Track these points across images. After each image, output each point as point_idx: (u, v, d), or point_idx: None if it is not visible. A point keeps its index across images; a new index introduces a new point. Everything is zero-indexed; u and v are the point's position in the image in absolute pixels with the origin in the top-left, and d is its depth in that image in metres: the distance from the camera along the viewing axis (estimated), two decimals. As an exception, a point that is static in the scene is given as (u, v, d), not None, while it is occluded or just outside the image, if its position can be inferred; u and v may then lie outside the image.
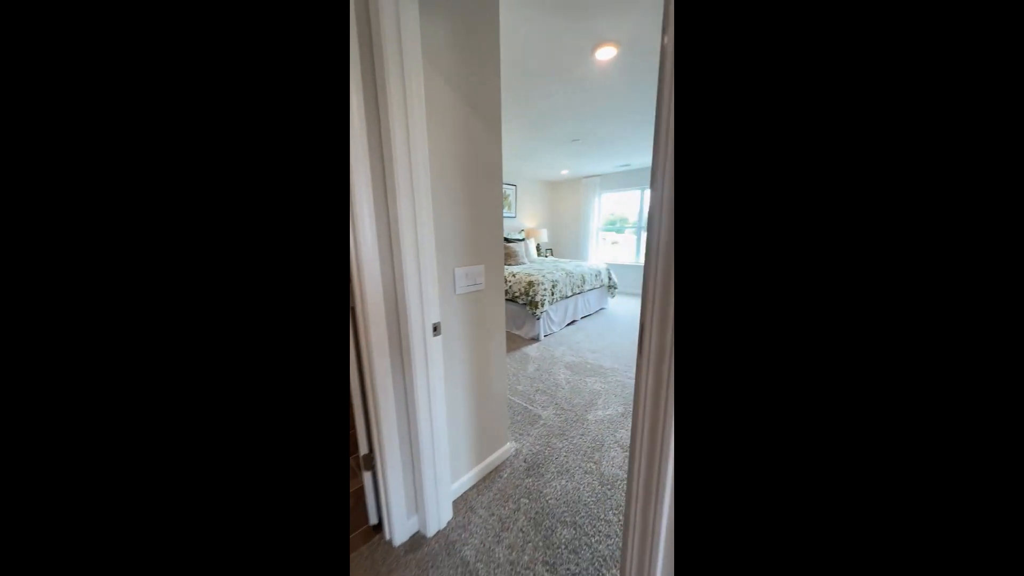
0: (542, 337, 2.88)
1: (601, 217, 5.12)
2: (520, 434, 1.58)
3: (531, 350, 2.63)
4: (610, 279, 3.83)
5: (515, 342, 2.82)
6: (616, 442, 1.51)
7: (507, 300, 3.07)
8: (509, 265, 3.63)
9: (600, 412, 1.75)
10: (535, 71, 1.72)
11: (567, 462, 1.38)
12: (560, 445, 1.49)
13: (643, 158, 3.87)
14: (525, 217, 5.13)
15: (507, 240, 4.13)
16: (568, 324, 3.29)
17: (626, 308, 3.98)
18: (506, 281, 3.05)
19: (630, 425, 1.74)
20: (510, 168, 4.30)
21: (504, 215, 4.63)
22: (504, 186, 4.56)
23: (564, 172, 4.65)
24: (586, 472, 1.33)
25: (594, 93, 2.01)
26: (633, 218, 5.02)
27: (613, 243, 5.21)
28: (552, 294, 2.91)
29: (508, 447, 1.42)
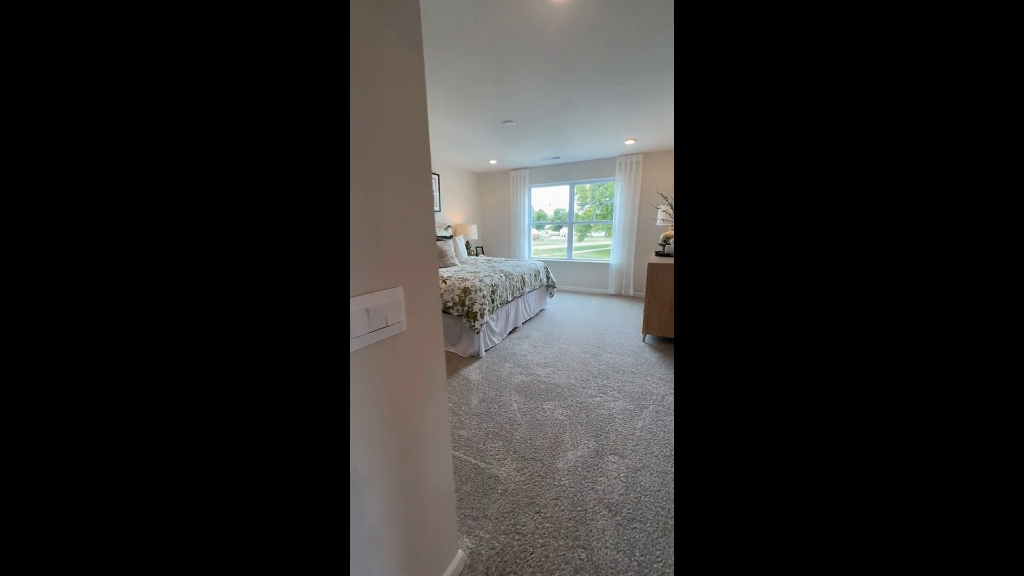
0: (483, 353, 2.43)
1: (531, 212, 4.90)
2: (474, 517, 1.11)
3: (472, 372, 2.16)
4: (549, 278, 3.59)
5: (452, 363, 2.30)
6: (600, 501, 1.16)
7: (438, 312, 2.52)
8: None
9: (570, 455, 1.40)
10: (461, 11, 1.23)
11: (546, 557, 0.98)
12: (532, 525, 1.08)
13: (574, 151, 3.71)
14: (451, 212, 4.56)
15: (432, 238, 3.53)
16: (510, 333, 2.91)
17: (564, 307, 3.80)
18: (435, 289, 2.49)
19: (609, 470, 1.29)
20: (431, 153, 3.67)
21: (427, 208, 3.98)
22: (425, 174, 3.90)
23: (492, 162, 4.23)
24: (576, 569, 0.94)
25: (537, 53, 1.62)
26: (550, 214, 4.96)
27: (535, 238, 5.09)
28: (492, 301, 2.47)
29: (459, 559, 0.94)
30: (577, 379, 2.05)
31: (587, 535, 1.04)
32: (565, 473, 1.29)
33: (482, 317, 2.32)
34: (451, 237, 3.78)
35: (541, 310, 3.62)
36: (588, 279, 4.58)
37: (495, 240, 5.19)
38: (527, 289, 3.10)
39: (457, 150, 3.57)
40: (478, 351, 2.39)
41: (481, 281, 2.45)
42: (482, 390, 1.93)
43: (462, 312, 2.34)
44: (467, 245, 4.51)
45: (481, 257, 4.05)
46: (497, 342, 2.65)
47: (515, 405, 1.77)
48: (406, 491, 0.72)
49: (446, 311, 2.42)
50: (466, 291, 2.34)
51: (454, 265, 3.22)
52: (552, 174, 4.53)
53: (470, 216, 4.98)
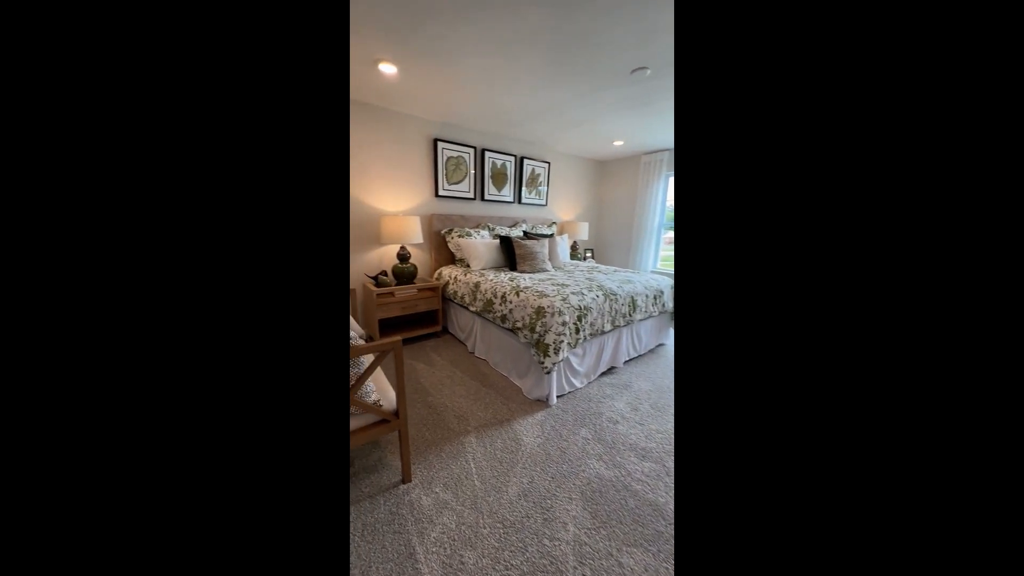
0: (554, 399, 1.73)
1: (663, 209, 3.72)
2: None
3: (528, 431, 1.51)
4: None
5: (510, 404, 1.71)
6: None
7: (504, 329, 1.97)
8: (523, 272, 2.51)
9: None
10: None
11: None
12: None
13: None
14: (560, 206, 3.93)
15: (528, 235, 3.01)
16: (603, 374, 2.09)
17: (698, 347, 2.61)
18: (506, 300, 1.93)
19: None
20: (535, 134, 3.11)
21: (530, 200, 3.49)
22: (533, 163, 3.40)
23: (618, 143, 3.34)
24: None
25: None
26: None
27: (666, 242, 3.89)
28: (577, 332, 1.73)
29: None
30: (703, 510, 1.11)
31: None
32: None
33: (557, 354, 1.62)
34: (551, 236, 3.16)
35: (659, 345, 2.59)
36: (743, 309, 3.12)
37: (610, 243, 4.25)
38: (638, 316, 2.18)
39: (572, 129, 2.89)
40: (548, 395, 1.72)
41: (565, 300, 1.75)
42: (530, 472, 1.27)
43: (531, 340, 1.70)
44: (573, 247, 3.80)
45: (587, 263, 3.27)
46: (579, 385, 1.89)
47: (571, 529, 1.04)
48: None
49: (514, 331, 1.84)
50: (540, 312, 1.69)
51: (545, 271, 2.59)
52: (704, 156, 3.24)
53: (583, 212, 4.21)
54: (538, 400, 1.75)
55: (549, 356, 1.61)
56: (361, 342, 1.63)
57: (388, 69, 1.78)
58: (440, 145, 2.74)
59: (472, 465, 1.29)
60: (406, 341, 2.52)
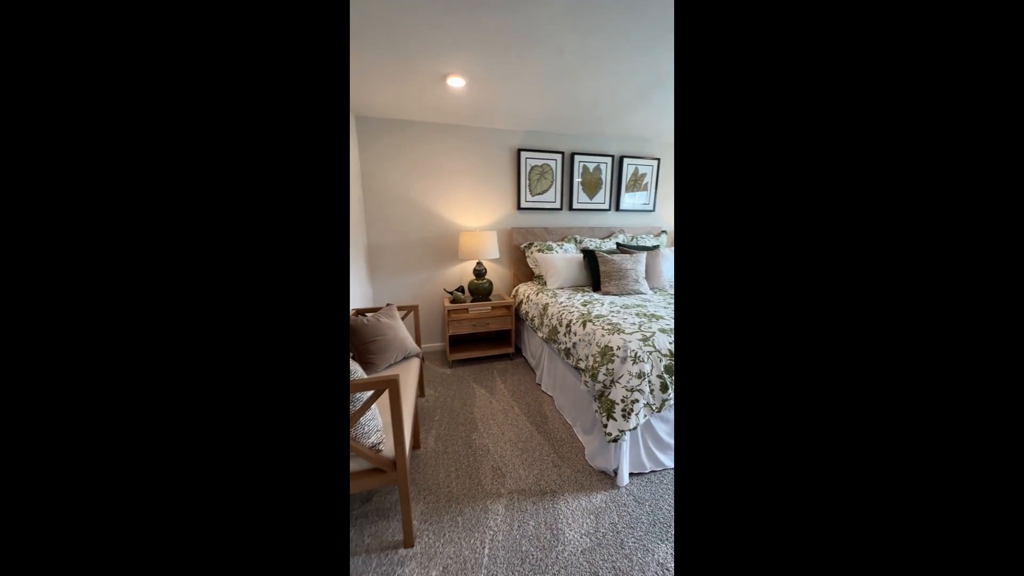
0: (625, 479, 1.24)
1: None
2: None
3: (576, 518, 1.09)
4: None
5: (561, 467, 1.33)
6: None
7: (570, 366, 1.58)
8: (607, 293, 2.05)
9: None
10: None
11: None
12: None
13: None
14: (671, 211, 3.16)
15: (622, 248, 2.50)
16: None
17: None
18: (571, 329, 1.55)
19: None
20: (638, 126, 2.56)
21: (631, 206, 2.95)
22: (636, 161, 2.87)
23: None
24: None
25: None
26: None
27: None
28: (666, 390, 1.20)
29: None
30: None
31: None
32: None
33: (627, 418, 1.14)
34: (655, 248, 2.53)
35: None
36: None
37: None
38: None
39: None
40: (616, 469, 1.24)
41: (648, 340, 1.24)
42: (561, 594, 0.87)
43: (593, 392, 1.27)
44: (690, 261, 2.97)
45: (706, 283, 2.46)
46: (668, 465, 1.31)
47: None
48: None
49: (576, 367, 1.44)
50: (607, 354, 1.24)
51: (637, 293, 2.05)
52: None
53: (709, 217, 3.27)
54: (602, 472, 1.29)
55: (614, 419, 1.15)
56: (416, 359, 1.57)
57: (456, 83, 1.73)
58: (523, 155, 2.59)
59: (485, 552, 0.99)
60: (476, 361, 2.42)
